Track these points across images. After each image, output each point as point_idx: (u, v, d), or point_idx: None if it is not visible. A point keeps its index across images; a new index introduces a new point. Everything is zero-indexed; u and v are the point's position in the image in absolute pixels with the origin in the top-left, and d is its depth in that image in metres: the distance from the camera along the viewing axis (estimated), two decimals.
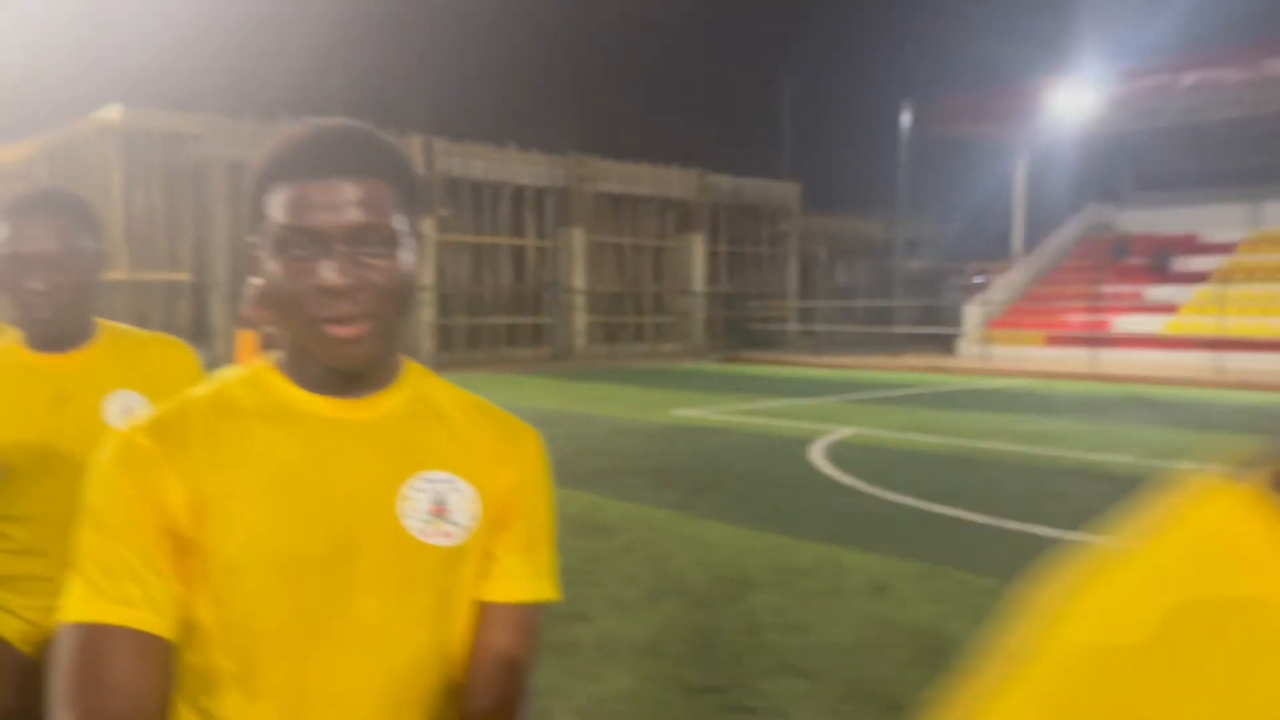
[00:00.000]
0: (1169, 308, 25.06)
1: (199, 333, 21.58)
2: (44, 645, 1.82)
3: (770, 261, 34.58)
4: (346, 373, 1.07)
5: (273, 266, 1.03)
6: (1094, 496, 7.89)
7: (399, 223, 1.04)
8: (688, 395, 16.55)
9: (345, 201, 1.01)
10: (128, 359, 2.00)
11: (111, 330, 2.02)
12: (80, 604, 0.98)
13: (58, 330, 1.89)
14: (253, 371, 1.12)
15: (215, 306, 22.30)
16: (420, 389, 1.16)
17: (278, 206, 1.02)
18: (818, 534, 6.58)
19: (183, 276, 22.40)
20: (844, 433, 11.74)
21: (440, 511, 1.10)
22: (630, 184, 29.67)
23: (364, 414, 1.10)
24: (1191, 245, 28.29)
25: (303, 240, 1.01)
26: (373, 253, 1.01)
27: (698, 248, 30.95)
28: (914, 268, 37.98)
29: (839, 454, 10.07)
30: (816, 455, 10.00)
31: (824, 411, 14.18)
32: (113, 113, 21.69)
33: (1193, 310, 24.49)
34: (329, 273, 1.00)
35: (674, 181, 30.69)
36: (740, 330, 31.22)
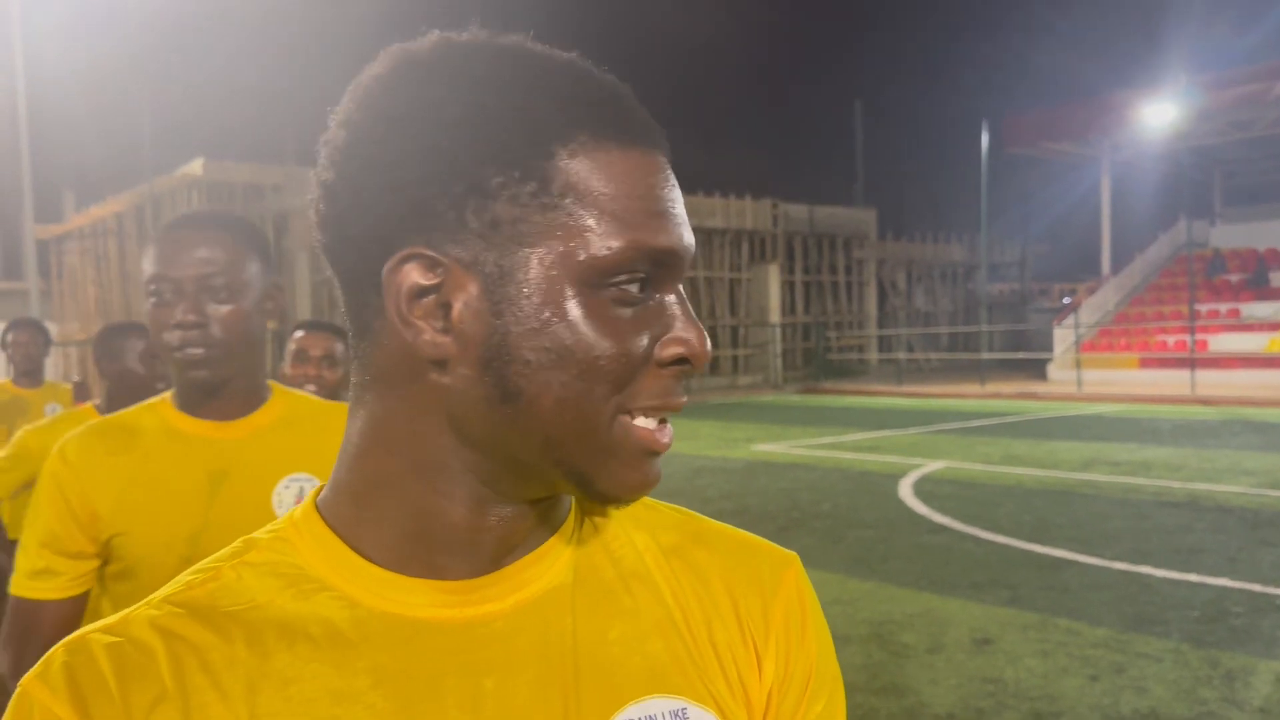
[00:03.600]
0: (1270, 325, 23.98)
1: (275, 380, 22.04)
2: None
3: (848, 289, 34.12)
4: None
5: (559, 303, 0.55)
6: (1206, 531, 7.39)
7: None
8: (768, 429, 16.22)
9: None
10: (307, 432, 1.55)
11: (287, 396, 1.60)
12: None
13: (215, 379, 1.47)
14: (290, 533, 0.60)
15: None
16: (586, 526, 0.66)
17: (610, 181, 0.55)
18: (912, 580, 6.23)
19: (270, 325, 22.87)
20: (933, 466, 11.31)
21: None
22: (703, 217, 29.56)
23: (500, 604, 0.60)
24: None
25: (651, 266, 0.56)
26: None
27: (773, 278, 30.64)
28: (998, 291, 37.15)
29: (929, 490, 9.67)
30: (905, 491, 9.61)
31: (910, 444, 13.73)
32: (195, 167, 22.34)
33: None
34: (692, 334, 0.60)
35: (747, 212, 30.50)
36: (819, 360, 30.78)
